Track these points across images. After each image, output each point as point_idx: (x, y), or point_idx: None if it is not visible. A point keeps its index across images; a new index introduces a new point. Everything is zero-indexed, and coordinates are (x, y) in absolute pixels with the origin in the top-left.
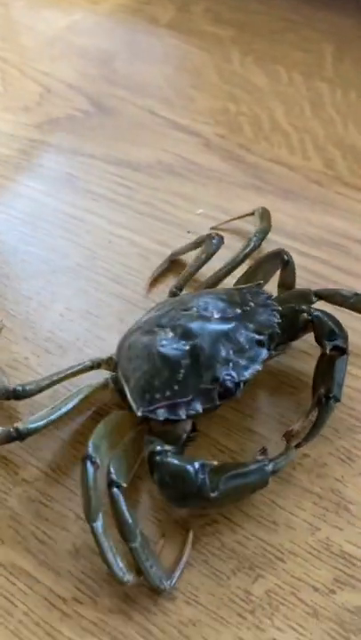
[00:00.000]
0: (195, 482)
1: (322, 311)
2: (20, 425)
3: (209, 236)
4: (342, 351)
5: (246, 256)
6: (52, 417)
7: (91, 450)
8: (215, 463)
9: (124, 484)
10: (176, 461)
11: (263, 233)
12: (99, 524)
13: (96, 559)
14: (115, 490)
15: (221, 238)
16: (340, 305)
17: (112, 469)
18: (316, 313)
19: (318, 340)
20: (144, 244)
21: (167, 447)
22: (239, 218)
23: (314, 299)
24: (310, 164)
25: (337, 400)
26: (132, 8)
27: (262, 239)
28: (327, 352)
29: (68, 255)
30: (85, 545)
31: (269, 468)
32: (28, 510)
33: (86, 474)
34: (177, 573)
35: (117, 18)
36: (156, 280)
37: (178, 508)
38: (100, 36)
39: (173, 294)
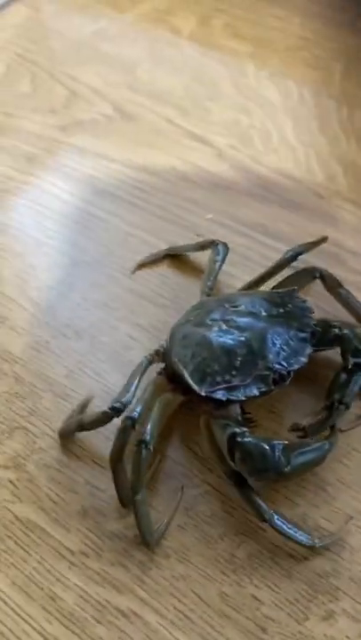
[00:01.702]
0: (273, 459)
1: (352, 330)
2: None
3: (213, 243)
4: None
5: (279, 267)
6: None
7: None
8: (285, 442)
9: (151, 448)
10: (256, 441)
11: (298, 251)
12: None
13: (101, 519)
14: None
15: (225, 244)
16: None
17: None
18: (346, 331)
19: (343, 354)
20: (155, 244)
21: (244, 429)
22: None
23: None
24: (314, 177)
25: (347, 408)
26: (156, 18)
27: (296, 255)
28: (349, 366)
29: (87, 250)
30: (92, 507)
31: (327, 447)
32: (44, 474)
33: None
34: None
35: (141, 27)
36: (144, 266)
37: (255, 480)
38: (125, 43)
39: (208, 294)
